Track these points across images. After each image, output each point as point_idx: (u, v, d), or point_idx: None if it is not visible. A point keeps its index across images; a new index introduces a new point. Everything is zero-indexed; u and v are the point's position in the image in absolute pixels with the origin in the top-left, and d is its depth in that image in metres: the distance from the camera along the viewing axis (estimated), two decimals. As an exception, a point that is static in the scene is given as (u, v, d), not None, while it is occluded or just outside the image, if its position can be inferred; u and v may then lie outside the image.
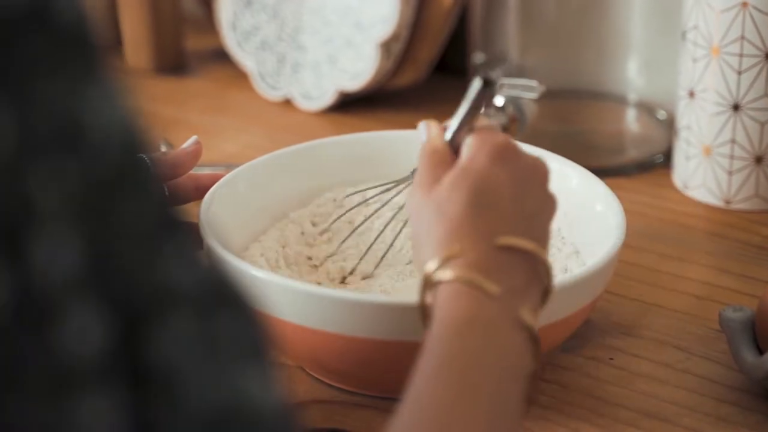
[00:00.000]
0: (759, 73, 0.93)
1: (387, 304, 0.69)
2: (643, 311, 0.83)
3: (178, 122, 1.16)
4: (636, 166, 1.04)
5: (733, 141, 0.95)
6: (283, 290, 0.70)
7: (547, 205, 0.66)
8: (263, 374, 0.41)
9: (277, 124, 1.15)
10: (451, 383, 0.56)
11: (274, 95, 1.19)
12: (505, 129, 1.03)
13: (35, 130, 0.36)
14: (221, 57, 1.26)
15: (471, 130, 0.68)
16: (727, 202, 0.97)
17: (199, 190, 0.80)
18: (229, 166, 0.87)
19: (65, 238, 0.36)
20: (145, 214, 0.39)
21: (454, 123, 0.69)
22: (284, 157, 0.87)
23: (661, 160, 1.04)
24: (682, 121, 0.98)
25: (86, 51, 0.38)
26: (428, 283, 0.61)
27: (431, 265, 0.61)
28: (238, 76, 1.23)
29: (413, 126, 0.99)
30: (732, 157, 0.95)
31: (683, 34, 0.97)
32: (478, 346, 0.58)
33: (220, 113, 1.18)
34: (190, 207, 0.81)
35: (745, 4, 0.91)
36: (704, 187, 0.97)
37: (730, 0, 0.92)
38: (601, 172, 0.86)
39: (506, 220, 0.63)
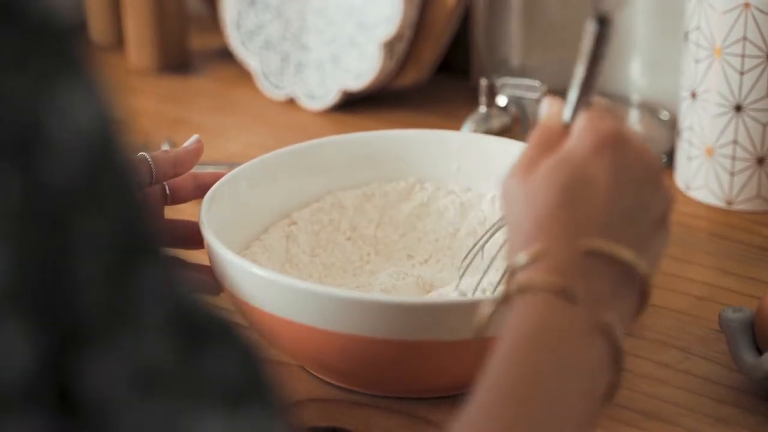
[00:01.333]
0: (761, 74, 0.93)
1: (387, 303, 0.69)
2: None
3: (182, 121, 1.16)
4: (638, 167, 1.04)
5: (735, 142, 0.95)
6: (284, 288, 0.70)
7: (656, 205, 0.60)
8: (232, 424, 0.38)
9: (280, 124, 1.15)
10: (510, 397, 0.52)
11: (277, 94, 1.19)
12: (508, 130, 1.03)
13: None
14: (225, 56, 1.26)
15: (588, 105, 0.61)
16: (729, 202, 0.97)
17: (200, 189, 0.80)
18: (232, 166, 0.87)
19: None
20: (107, 231, 0.36)
21: (572, 95, 0.61)
22: (286, 156, 0.86)
23: (664, 160, 1.04)
24: (685, 121, 0.98)
25: (61, 49, 0.35)
26: (507, 294, 0.56)
27: (511, 275, 0.56)
28: (242, 75, 1.23)
29: (416, 126, 1.00)
30: (734, 158, 0.95)
31: (686, 35, 0.97)
32: (544, 358, 0.53)
33: (224, 112, 1.18)
34: (190, 206, 0.81)
35: (747, 5, 0.91)
36: (706, 188, 0.97)
37: (732, 1, 0.92)
38: (603, 173, 0.86)
39: (598, 221, 0.57)
